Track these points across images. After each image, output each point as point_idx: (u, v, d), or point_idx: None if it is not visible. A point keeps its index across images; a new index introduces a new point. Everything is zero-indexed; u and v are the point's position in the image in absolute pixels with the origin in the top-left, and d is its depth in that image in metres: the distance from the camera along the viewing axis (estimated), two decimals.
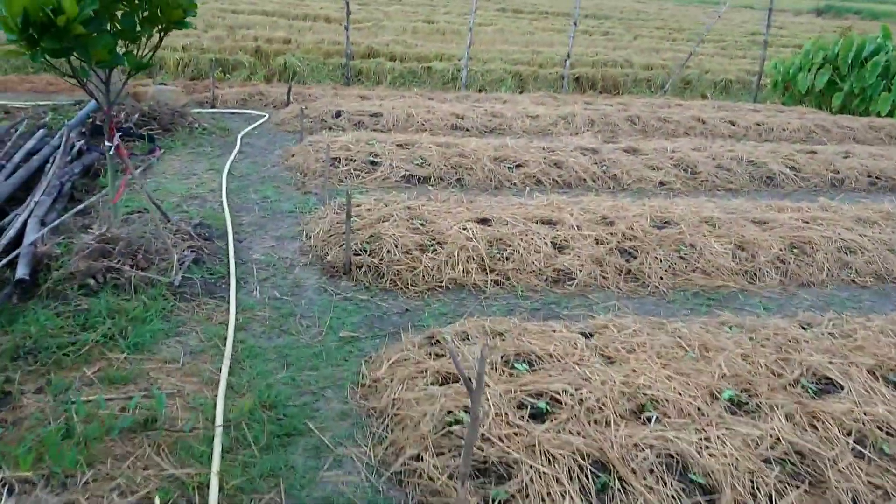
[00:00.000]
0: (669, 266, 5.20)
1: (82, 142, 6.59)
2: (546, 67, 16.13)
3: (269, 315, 4.23)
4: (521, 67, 15.37)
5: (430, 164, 7.01)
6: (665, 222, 5.75)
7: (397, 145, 7.35)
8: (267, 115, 9.26)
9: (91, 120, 7.42)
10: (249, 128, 8.53)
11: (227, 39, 16.10)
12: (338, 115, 8.84)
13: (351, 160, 6.98)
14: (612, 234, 5.43)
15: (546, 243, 5.18)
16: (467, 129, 8.93)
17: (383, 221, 5.26)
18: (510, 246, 5.11)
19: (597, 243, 5.31)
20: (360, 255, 4.91)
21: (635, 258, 5.23)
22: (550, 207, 5.85)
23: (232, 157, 7.21)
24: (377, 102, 9.52)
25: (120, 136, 7.17)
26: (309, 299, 4.48)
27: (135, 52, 4.46)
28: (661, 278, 5.09)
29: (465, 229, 5.19)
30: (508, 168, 7.16)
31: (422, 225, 5.24)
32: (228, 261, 4.76)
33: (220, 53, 14.45)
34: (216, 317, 4.13)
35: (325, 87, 11.99)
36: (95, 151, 6.63)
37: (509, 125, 9.16)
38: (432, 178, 6.88)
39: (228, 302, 4.27)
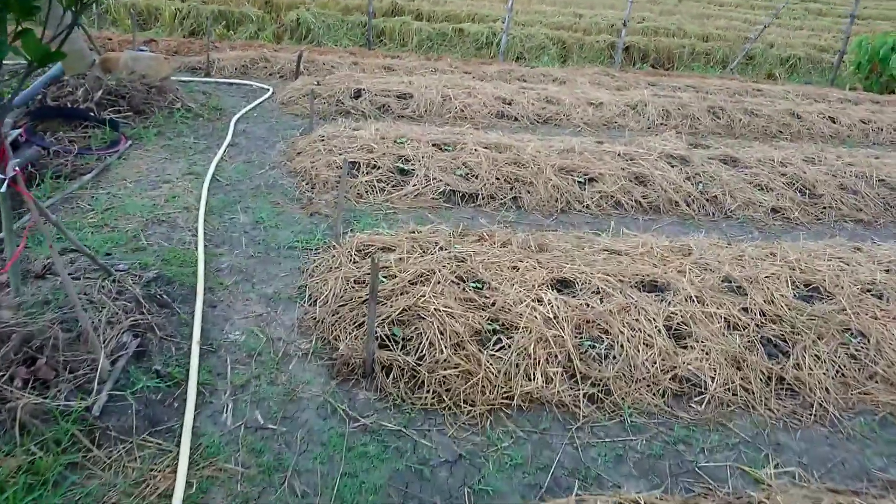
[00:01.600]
0: (837, 371, 3.52)
1: (19, 130, 4.90)
2: (591, 34, 14.17)
3: (243, 469, 2.61)
4: (564, 34, 13.42)
5: (477, 176, 5.29)
6: (812, 288, 4.06)
7: (434, 146, 5.62)
8: (271, 90, 7.49)
9: (41, 97, 5.71)
10: (248, 108, 6.78)
11: None
12: (357, 95, 7.07)
13: (374, 166, 5.26)
14: (745, 309, 3.75)
15: (658, 329, 3.50)
16: (516, 119, 7.16)
17: (422, 283, 3.59)
18: (608, 333, 3.44)
19: (728, 327, 3.63)
20: (387, 346, 3.25)
21: (786, 355, 3.56)
22: (651, 256, 4.16)
23: (220, 154, 5.50)
24: (406, 79, 7.72)
25: (77, 123, 5.51)
26: (308, 430, 2.84)
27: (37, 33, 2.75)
28: (828, 391, 3.42)
29: (539, 301, 3.52)
30: (578, 183, 5.43)
31: (477, 291, 3.57)
32: (190, 355, 3.12)
33: (224, 4, 12.59)
34: (155, 477, 2.50)
35: (343, 52, 10.14)
36: (38, 144, 4.95)
37: (567, 115, 7.38)
38: (481, 197, 5.16)
39: (179, 443, 2.64)
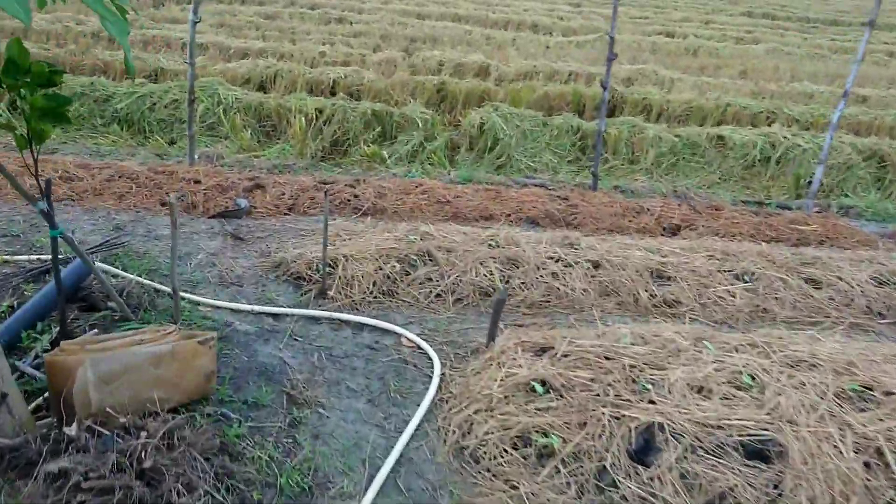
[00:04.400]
0: None
1: None
2: None
3: None
4: (879, 142, 8.39)
5: None
6: None
7: None
8: (437, 370, 3.35)
9: None
10: (379, 482, 2.64)
11: (400, 66, 10.51)
12: (647, 446, 2.72)
13: None
14: None
15: None
16: None
17: None
18: None
19: None
20: None
21: None
22: None
23: None
24: (740, 362, 3.26)
25: None
26: None
27: None
28: None
29: None
30: None
31: None
32: None
33: (383, 97, 8.84)
34: None
35: (555, 204, 5.83)
36: None
37: None
38: None
39: None
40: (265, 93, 8.63)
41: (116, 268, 4.25)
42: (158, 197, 5.40)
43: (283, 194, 5.57)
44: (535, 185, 6.69)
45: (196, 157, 6.56)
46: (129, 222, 5.00)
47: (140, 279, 4.05)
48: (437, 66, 10.64)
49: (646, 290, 4.20)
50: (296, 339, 3.57)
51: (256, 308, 3.84)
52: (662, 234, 5.60)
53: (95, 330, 3.32)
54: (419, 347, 3.55)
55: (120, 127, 7.61)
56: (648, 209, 5.91)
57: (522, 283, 4.14)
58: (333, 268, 4.12)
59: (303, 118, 7.16)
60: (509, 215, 5.61)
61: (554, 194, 6.14)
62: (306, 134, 7.24)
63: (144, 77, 8.65)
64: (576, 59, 12.35)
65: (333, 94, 8.80)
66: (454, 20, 16.47)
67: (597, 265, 4.37)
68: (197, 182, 5.68)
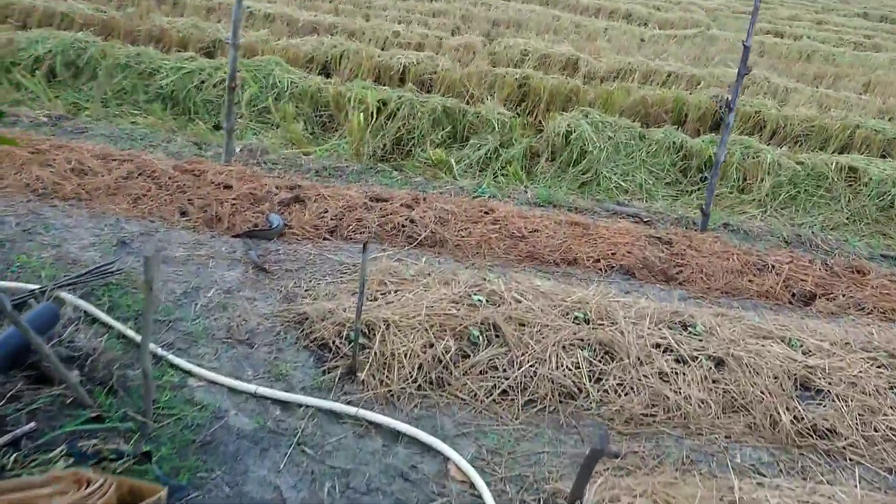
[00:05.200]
0: None
1: None
2: None
3: None
4: None
5: None
6: None
7: None
8: None
9: None
10: None
11: (480, 53, 9.37)
12: None
13: None
14: None
15: None
16: None
17: None
18: None
19: None
20: None
21: None
22: None
23: None
24: None
25: None
26: None
27: None
28: None
29: None
30: None
31: None
32: None
33: (457, 89, 7.73)
34: None
35: (651, 241, 4.61)
36: None
37: None
38: None
39: None
40: (328, 76, 7.64)
41: (103, 303, 3.35)
42: (179, 204, 4.47)
43: (326, 212, 4.56)
44: (628, 216, 5.50)
45: (237, 149, 5.63)
46: (139, 235, 4.10)
47: (124, 329, 3.12)
48: (520, 55, 9.43)
49: (787, 410, 3.02)
50: (304, 451, 2.57)
51: (261, 390, 2.84)
52: (791, 303, 4.37)
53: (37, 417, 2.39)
54: (472, 485, 2.49)
55: (163, 105, 6.74)
56: (773, 266, 4.65)
57: (619, 384, 3.02)
58: (369, 338, 3.09)
59: (360, 115, 6.10)
60: (597, 261, 4.47)
61: (653, 235, 4.93)
62: (364, 132, 6.20)
63: (198, 50, 7.77)
64: (675, 56, 10.93)
65: (402, 81, 7.74)
66: (542, 4, 15.11)
67: (719, 363, 3.20)
68: (227, 187, 4.73)
